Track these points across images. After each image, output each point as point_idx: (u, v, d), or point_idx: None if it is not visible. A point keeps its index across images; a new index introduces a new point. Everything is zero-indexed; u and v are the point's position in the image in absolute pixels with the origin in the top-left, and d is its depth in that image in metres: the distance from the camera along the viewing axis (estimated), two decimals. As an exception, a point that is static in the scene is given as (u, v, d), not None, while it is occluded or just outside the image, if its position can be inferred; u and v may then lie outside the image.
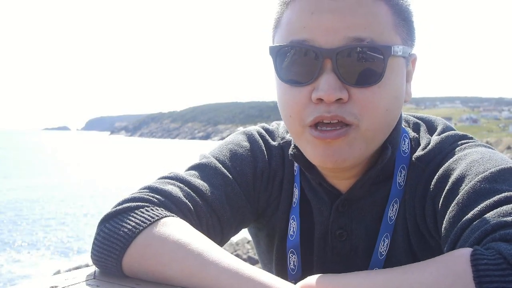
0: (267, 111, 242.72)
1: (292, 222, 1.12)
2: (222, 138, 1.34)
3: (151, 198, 0.95)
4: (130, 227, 0.88)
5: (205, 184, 1.04)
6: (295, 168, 1.14)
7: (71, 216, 21.45)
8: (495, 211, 0.80)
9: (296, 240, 1.10)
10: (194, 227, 0.92)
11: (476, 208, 0.83)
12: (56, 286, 0.85)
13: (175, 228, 0.88)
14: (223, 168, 1.09)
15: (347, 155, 0.93)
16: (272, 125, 1.25)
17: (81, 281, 0.88)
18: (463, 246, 0.80)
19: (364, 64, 0.90)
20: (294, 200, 1.13)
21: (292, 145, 1.08)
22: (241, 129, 1.23)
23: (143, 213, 0.90)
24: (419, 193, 1.03)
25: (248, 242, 12.87)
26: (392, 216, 1.05)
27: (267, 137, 1.19)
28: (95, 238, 0.92)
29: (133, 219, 0.89)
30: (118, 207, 0.92)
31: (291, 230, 1.12)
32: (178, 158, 58.14)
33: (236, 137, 1.18)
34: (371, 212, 1.07)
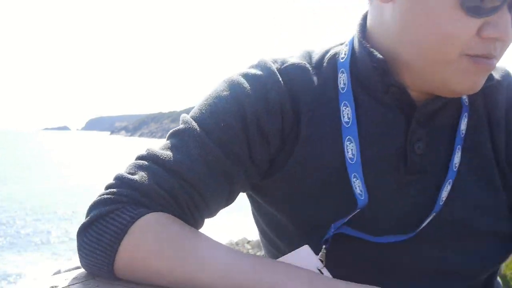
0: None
1: (349, 144, 1.01)
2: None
3: (121, 197, 0.88)
4: (107, 240, 0.84)
5: (183, 159, 0.92)
6: (342, 86, 1.03)
7: (71, 217, 21.47)
8: None
9: (357, 162, 0.99)
10: (174, 215, 0.88)
11: None
12: (56, 286, 0.84)
13: (153, 230, 0.84)
14: (203, 134, 0.94)
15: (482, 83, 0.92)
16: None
17: (81, 281, 0.88)
18: None
19: None
20: (347, 119, 1.01)
21: (365, 53, 0.98)
22: None
23: (114, 219, 0.85)
24: (484, 107, 1.03)
25: (248, 242, 12.87)
26: (463, 129, 1.01)
27: (269, 64, 1.01)
28: (79, 251, 0.88)
29: (107, 229, 0.84)
30: (91, 215, 0.87)
31: (350, 153, 1.01)
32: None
33: (222, 86, 1.00)
34: (445, 125, 1.02)
